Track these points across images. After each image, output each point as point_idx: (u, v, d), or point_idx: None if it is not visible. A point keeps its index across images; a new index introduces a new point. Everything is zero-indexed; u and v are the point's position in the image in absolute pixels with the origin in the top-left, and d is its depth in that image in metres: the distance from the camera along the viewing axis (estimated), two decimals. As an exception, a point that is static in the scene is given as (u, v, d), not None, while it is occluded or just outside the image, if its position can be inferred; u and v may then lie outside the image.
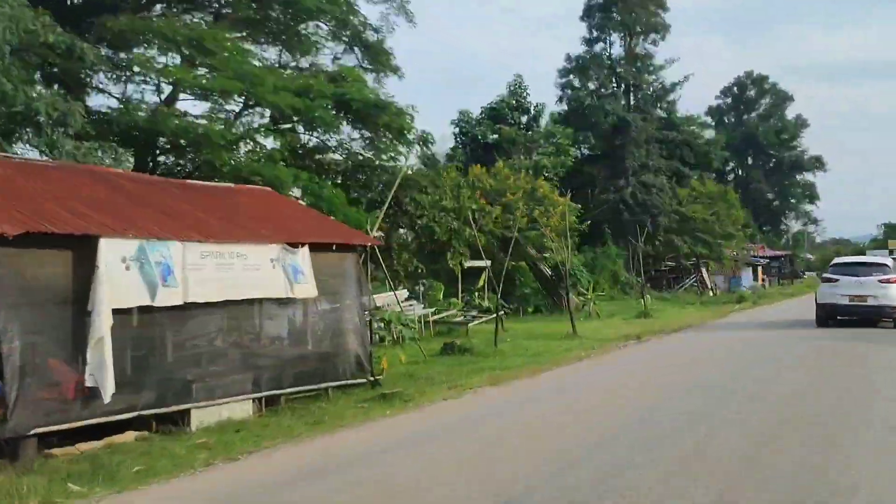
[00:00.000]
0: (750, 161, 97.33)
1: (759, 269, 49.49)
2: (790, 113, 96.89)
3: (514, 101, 34.63)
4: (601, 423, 8.29)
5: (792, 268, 76.13)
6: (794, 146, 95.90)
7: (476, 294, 26.24)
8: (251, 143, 17.07)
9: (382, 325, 12.16)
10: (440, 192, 20.68)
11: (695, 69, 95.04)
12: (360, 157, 19.22)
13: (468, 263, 25.18)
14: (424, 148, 18.33)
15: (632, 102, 40.18)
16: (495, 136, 32.96)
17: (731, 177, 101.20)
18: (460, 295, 24.46)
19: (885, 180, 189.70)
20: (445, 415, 9.31)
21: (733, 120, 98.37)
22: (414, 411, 9.79)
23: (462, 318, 20.64)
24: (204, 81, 12.86)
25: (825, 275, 21.57)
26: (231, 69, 13.25)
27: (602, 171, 40.54)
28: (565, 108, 39.69)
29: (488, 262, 25.56)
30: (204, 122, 13.31)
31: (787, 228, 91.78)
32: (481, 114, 34.80)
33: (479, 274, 25.63)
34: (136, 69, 13.01)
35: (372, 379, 11.70)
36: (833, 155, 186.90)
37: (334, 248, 11.26)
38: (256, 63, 16.89)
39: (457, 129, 34.25)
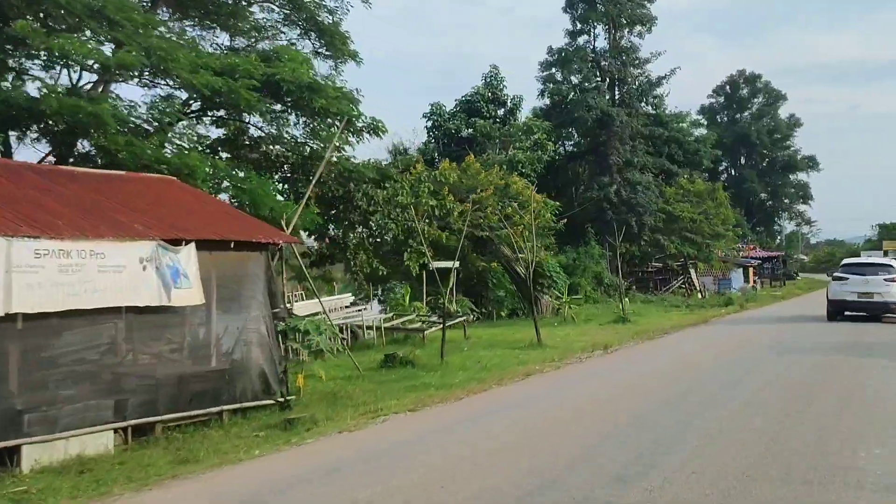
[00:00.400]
0: (743, 161, 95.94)
1: (751, 270, 47.86)
2: (783, 112, 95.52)
3: (489, 94, 32.85)
4: (493, 483, 6.25)
5: (785, 269, 74.55)
6: (788, 146, 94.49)
7: (443, 298, 24.60)
8: (178, 132, 15.32)
9: (298, 335, 10.37)
10: (396, 187, 18.91)
11: (689, 70, 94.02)
12: (307, 149, 17.47)
13: (435, 264, 23.47)
14: (375, 137, 16.52)
15: (616, 97, 38.48)
16: (470, 130, 31.21)
17: (723, 176, 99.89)
18: (425, 298, 22.74)
19: (878, 181, 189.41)
20: (337, 451, 7.58)
21: (726, 119, 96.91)
22: (310, 443, 8.07)
23: (420, 324, 18.91)
24: (95, 53, 11.08)
25: (836, 273, 23.50)
26: (136, 42, 11.50)
27: (586, 169, 38.86)
28: (548, 102, 37.98)
29: (456, 263, 23.88)
30: (107, 103, 11.52)
31: (780, 229, 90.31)
32: (456, 106, 33.02)
33: (449, 276, 23.94)
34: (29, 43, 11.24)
35: (281, 400, 9.99)
36: (828, 156, 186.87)
37: (233, 245, 9.54)
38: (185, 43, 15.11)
39: (429, 123, 32.48)
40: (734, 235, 39.57)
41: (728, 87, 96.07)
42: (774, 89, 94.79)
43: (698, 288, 41.21)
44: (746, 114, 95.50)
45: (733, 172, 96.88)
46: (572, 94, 37.24)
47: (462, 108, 32.87)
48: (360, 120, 16.48)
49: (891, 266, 22.89)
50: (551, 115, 37.62)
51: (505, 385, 11.19)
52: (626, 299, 33.46)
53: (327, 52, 20.48)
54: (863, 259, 29.01)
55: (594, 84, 37.22)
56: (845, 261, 25.71)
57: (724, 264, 42.49)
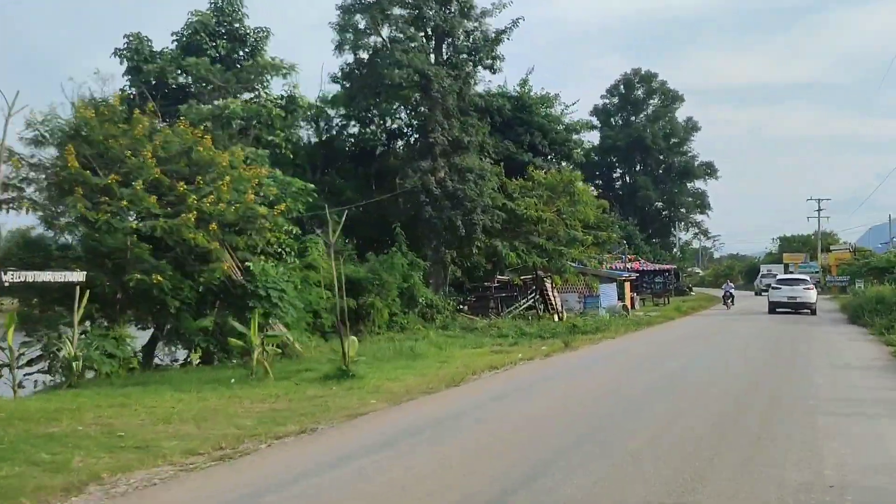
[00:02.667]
0: (638, 168, 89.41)
1: (627, 284, 39.56)
2: (680, 115, 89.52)
3: (221, 24, 23.00)
4: None
5: (678, 283, 67.41)
6: (685, 151, 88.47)
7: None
8: None
9: None
10: None
11: (595, 85, 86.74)
12: None
13: (33, 275, 13.39)
14: None
15: (445, 56, 29.25)
16: (183, 75, 21.31)
17: (618, 183, 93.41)
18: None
19: (779, 199, 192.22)
20: None
21: (621, 122, 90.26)
22: None
23: None
24: None
25: (773, 284, 38.37)
26: None
27: (404, 150, 29.47)
28: (349, 61, 28.37)
29: (80, 276, 13.79)
30: None
31: (676, 240, 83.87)
32: (174, 42, 22.90)
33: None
34: None
35: None
36: (733, 175, 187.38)
37: None
38: None
39: (124, 64, 22.25)
40: (593, 240, 30.55)
41: (622, 86, 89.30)
42: (671, 90, 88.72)
43: (556, 308, 32.31)
44: (642, 116, 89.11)
45: (628, 179, 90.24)
46: (387, 49, 27.72)
47: (180, 45, 22.80)
48: None
49: (806, 280, 37.70)
50: (352, 78, 28.12)
51: None
52: (436, 328, 24.09)
53: None
54: (790, 276, 44.72)
55: (410, 36, 27.77)
56: (779, 277, 42.03)
57: (584, 277, 33.76)
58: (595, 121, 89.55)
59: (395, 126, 31.52)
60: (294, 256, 18.85)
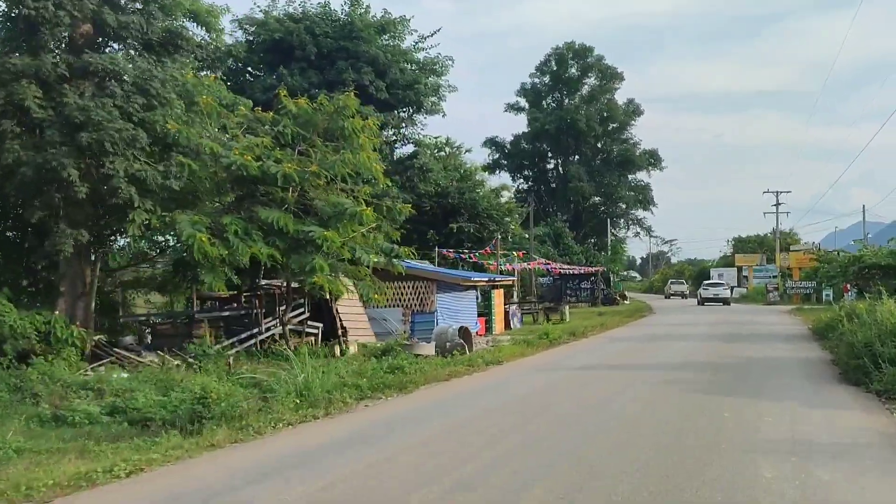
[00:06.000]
0: (574, 157, 76.71)
1: (497, 293, 26.36)
2: (621, 97, 77.35)
3: None
4: None
5: (607, 290, 54.73)
6: (625, 138, 76.13)
7: None
8: None
9: None
10: None
11: None
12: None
13: None
14: None
15: None
16: None
17: (552, 175, 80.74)
18: None
19: (736, 204, 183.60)
20: None
21: (554, 105, 77.62)
22: None
23: None
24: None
25: (703, 285, 55.44)
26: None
27: None
28: None
29: None
30: None
31: (612, 239, 71.39)
32: None
33: None
34: None
35: None
36: (695, 181, 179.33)
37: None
38: None
39: None
40: (371, 215, 16.38)
41: (554, 62, 76.65)
42: (610, 67, 76.15)
43: (341, 337, 19.02)
44: (577, 97, 76.63)
45: (560, 170, 77.62)
46: None
47: None
48: None
49: (724, 284, 56.22)
50: None
51: None
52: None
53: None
54: (713, 280, 58.83)
55: None
56: (705, 282, 57.55)
57: (415, 284, 20.65)
58: (523, 101, 77.18)
59: None
60: None
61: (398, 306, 22.67)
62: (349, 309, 20.89)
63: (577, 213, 73.89)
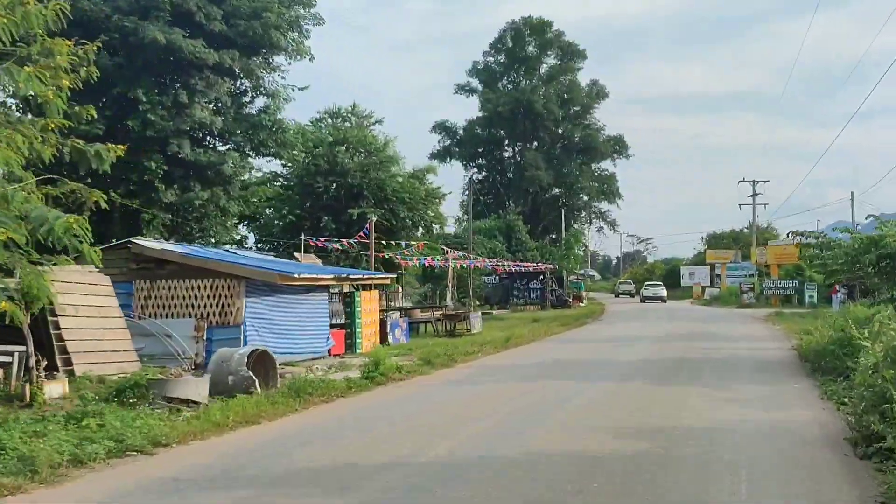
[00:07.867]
0: (534, 144, 69.16)
1: (369, 295, 18.86)
2: (583, 78, 70.18)
3: None
4: None
5: (558, 291, 47.42)
6: (588, 124, 68.96)
7: None
8: None
9: None
10: None
11: None
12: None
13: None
14: None
15: None
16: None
17: (509, 163, 73.30)
18: None
19: (712, 205, 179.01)
20: None
21: (511, 87, 70.24)
22: None
23: None
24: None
25: (646, 285, 60.23)
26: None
27: None
28: None
29: None
30: None
31: (577, 233, 64.24)
32: None
33: None
34: None
35: None
36: (671, 183, 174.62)
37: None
38: None
39: None
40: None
41: (510, 39, 69.25)
42: (571, 43, 68.77)
43: (38, 371, 11.50)
44: (535, 77, 69.27)
45: (518, 158, 70.22)
46: None
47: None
48: None
49: (661, 284, 60.21)
50: None
51: None
52: None
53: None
54: (654, 283, 61.41)
55: None
56: (647, 283, 61.33)
57: (218, 283, 13.26)
58: (475, 82, 69.49)
59: None
60: None
61: (191, 316, 15.18)
62: (89, 322, 13.38)
63: (535, 205, 66.67)
